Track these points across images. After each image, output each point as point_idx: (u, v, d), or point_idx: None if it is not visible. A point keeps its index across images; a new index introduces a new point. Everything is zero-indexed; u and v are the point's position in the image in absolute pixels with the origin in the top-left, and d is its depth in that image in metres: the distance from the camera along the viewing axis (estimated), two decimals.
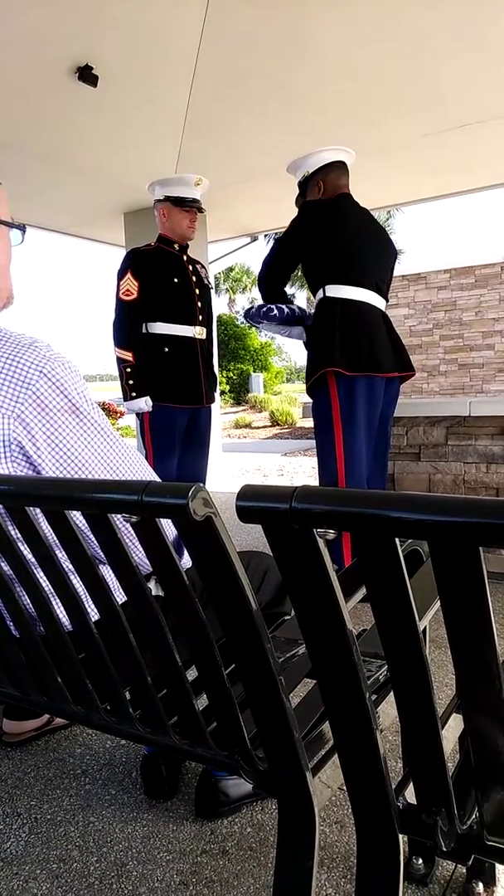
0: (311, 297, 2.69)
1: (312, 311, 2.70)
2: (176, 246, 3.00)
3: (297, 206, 2.74)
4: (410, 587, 0.62)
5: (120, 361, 2.90)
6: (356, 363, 2.44)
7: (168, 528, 0.81)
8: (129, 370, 2.88)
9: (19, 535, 0.89)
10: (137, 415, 3.05)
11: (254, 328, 24.74)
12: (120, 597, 0.88)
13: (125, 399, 2.95)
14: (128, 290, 2.88)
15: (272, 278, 2.66)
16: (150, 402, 2.90)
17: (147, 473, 1.06)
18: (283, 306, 2.65)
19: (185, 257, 3.02)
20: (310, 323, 2.65)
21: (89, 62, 3.25)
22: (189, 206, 2.93)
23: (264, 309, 2.64)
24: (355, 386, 2.45)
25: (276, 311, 2.62)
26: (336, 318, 2.46)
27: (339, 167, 2.59)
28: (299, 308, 2.68)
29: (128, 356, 2.88)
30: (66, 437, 0.94)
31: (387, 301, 2.64)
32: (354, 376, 2.43)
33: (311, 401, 2.64)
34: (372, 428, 2.56)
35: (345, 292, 2.49)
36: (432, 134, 4.12)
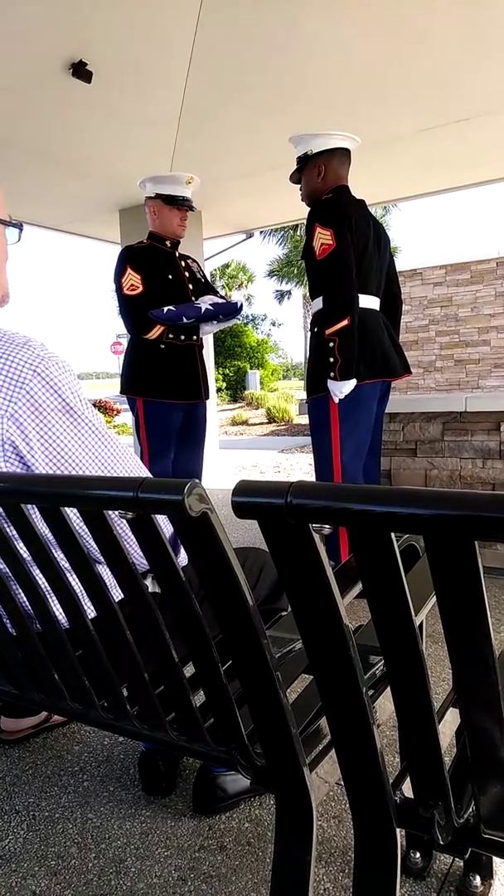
0: (308, 298, 2.66)
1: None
2: (168, 243, 2.99)
3: (291, 181, 2.71)
4: (407, 582, 0.62)
5: (165, 324, 2.86)
6: (373, 370, 2.45)
7: (164, 524, 0.81)
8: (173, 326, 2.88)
9: (15, 533, 0.89)
10: (133, 412, 3.03)
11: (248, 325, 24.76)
12: (117, 594, 0.88)
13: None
14: (132, 285, 2.85)
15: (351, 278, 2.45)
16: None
17: (141, 472, 1.06)
18: (201, 306, 2.85)
19: (176, 253, 3.01)
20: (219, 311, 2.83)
21: (83, 58, 3.23)
22: (180, 205, 2.91)
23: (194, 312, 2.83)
24: (357, 391, 2.44)
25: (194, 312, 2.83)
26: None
27: (342, 155, 2.55)
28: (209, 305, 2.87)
29: (158, 330, 2.86)
30: (60, 437, 0.94)
31: (381, 297, 2.62)
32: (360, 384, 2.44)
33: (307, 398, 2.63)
34: (368, 431, 2.57)
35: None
36: (429, 129, 4.12)
